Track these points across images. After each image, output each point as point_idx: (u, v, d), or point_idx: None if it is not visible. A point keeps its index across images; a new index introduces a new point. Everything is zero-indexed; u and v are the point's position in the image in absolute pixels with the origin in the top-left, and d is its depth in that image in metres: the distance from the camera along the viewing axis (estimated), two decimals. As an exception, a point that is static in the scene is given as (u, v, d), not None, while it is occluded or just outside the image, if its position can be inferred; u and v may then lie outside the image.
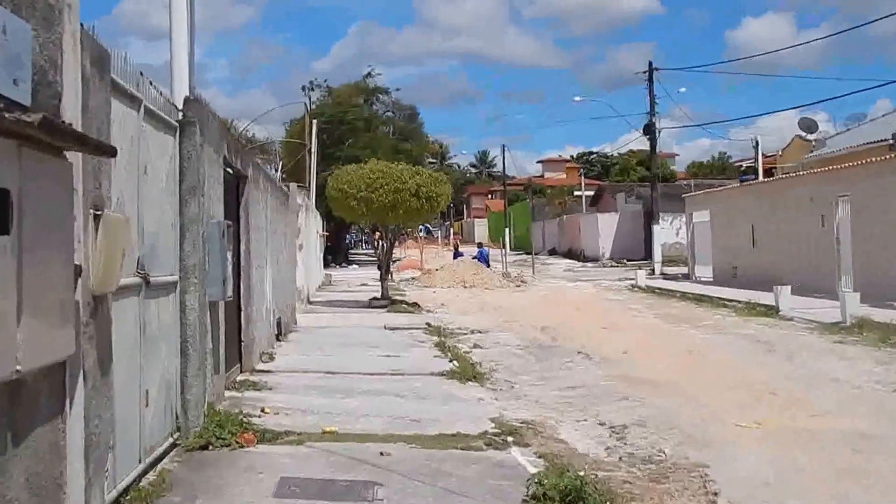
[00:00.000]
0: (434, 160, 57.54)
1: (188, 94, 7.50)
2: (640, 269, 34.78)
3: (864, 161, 22.39)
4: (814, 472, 6.70)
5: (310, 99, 50.39)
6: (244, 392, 9.42)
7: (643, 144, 44.62)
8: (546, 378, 11.38)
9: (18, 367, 3.09)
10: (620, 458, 7.14)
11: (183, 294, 7.02)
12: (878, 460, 6.98)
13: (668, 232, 42.16)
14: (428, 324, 17.50)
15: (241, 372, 10.50)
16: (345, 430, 7.63)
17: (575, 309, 22.32)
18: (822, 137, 34.82)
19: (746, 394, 9.94)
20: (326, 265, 38.72)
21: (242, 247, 10.51)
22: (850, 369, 11.50)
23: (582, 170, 79.37)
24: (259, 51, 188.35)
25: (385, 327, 16.85)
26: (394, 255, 28.18)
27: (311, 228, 26.74)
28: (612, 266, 44.88)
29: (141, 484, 5.65)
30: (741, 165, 53.75)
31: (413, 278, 35.20)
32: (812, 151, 33.96)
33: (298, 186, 22.65)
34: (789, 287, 19.12)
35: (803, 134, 36.84)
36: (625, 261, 45.91)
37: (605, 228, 50.80)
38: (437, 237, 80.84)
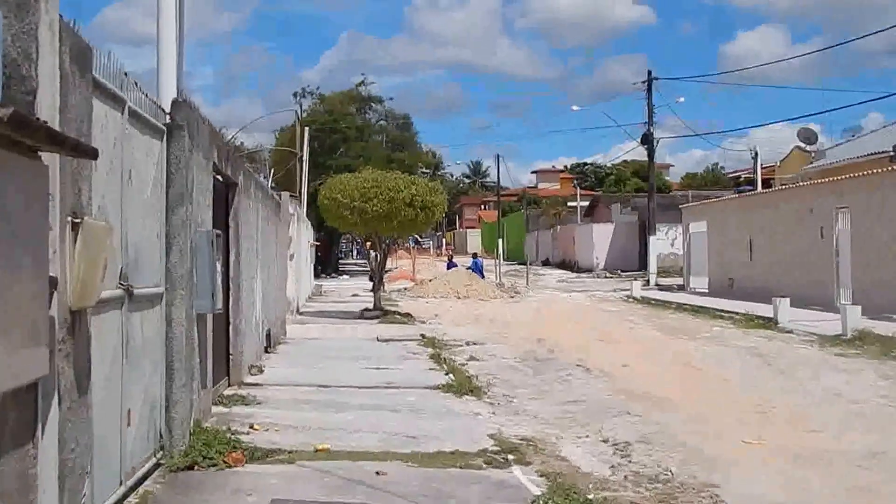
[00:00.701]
0: (427, 170, 57.27)
1: (176, 96, 7.20)
2: (635, 279, 34.57)
3: (864, 173, 22.23)
4: (825, 494, 6.47)
5: (301, 107, 50.08)
6: (232, 407, 9.12)
7: (637, 155, 44.55)
8: (544, 392, 11.11)
9: (-19, 391, 2.79)
10: (626, 478, 6.86)
11: (169, 306, 6.72)
12: (889, 479, 6.77)
13: (663, 243, 41.93)
14: (422, 335, 17.21)
15: (230, 386, 10.21)
16: (338, 447, 7.33)
17: (571, 320, 22.08)
18: (821, 148, 34.73)
19: (750, 409, 9.71)
20: (317, 275, 38.42)
21: (232, 257, 10.22)
22: (854, 383, 11.27)
23: (576, 180, 79.38)
24: (245, 59, 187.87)
25: (378, 339, 16.56)
26: (386, 266, 27.90)
27: (303, 238, 26.44)
28: (606, 277, 44.68)
29: (122, 508, 5.34)
30: (740, 176, 53.71)
31: (405, 289, 34.92)
32: (811, 163, 33.85)
33: (290, 196, 22.35)
34: (788, 299, 18.87)
35: (802, 145, 36.73)
36: (619, 272, 45.71)
37: (599, 239, 50.61)
38: (430, 247, 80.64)
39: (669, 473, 6.89)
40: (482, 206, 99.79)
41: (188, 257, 7.00)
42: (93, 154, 3.80)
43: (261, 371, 11.86)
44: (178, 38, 7.84)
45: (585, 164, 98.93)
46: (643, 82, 39.07)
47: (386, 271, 28.68)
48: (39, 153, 3.31)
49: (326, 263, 50.54)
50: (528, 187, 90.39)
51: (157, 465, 6.34)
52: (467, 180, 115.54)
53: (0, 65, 3.09)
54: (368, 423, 8.41)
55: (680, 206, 37.09)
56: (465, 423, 8.60)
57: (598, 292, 33.64)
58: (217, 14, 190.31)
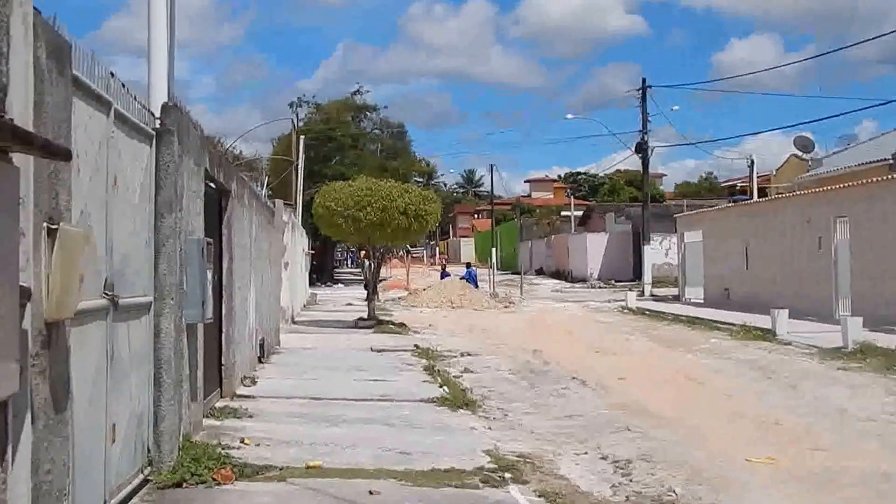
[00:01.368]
0: (421, 179, 57.19)
1: (167, 100, 6.96)
2: (629, 290, 34.35)
3: (863, 181, 22.02)
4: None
5: (297, 115, 49.99)
6: (223, 420, 8.88)
7: (631, 164, 44.34)
8: (540, 406, 10.88)
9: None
10: (627, 498, 6.64)
11: (157, 317, 6.47)
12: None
13: (657, 253, 41.69)
14: (416, 346, 16.96)
15: (221, 397, 9.95)
16: (330, 463, 7.09)
17: (566, 331, 21.85)
18: (818, 157, 34.57)
19: (752, 425, 9.48)
20: (312, 284, 38.18)
21: (224, 265, 9.98)
22: (860, 398, 11.02)
23: (569, 189, 79.27)
24: (245, 70, 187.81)
25: (372, 349, 16.31)
26: (380, 275, 27.69)
27: (298, 246, 26.20)
28: (600, 287, 44.40)
29: (104, 529, 5.09)
30: (735, 185, 53.57)
31: (399, 298, 34.71)
32: (808, 171, 33.69)
33: (285, 204, 22.11)
34: (787, 311, 18.65)
35: (799, 153, 36.56)
36: (613, 282, 45.47)
37: (593, 249, 50.30)
38: (423, 256, 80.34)
39: (673, 494, 6.65)
40: (475, 215, 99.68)
41: (177, 266, 6.76)
42: (65, 154, 3.55)
43: (254, 382, 11.61)
44: (168, 44, 7.62)
45: (579, 173, 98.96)
46: (637, 90, 38.83)
47: (380, 280, 28.46)
48: (10, 154, 3.07)
49: (322, 272, 50.33)
50: (522, 196, 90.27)
51: (145, 482, 6.08)
52: (461, 189, 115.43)
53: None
54: (361, 438, 8.16)
55: (674, 216, 36.89)
56: (460, 439, 8.36)
57: (592, 302, 33.42)
58: (217, 26, 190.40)
